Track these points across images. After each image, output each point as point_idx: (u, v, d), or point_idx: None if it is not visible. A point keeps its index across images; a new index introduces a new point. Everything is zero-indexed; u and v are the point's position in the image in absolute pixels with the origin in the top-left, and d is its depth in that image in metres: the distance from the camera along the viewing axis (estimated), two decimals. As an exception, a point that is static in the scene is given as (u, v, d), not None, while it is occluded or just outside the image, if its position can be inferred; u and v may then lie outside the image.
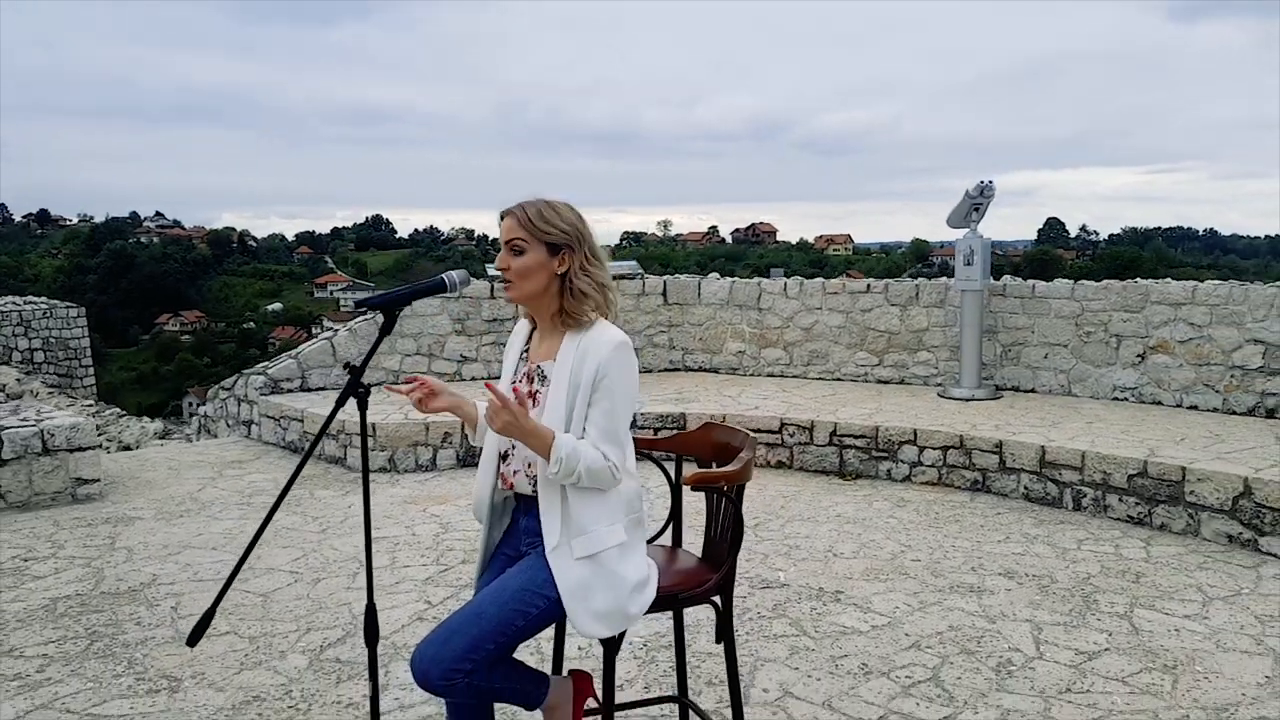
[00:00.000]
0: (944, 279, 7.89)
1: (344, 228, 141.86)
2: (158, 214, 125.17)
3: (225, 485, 6.26)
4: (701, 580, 2.28)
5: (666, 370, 8.72)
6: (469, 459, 6.60)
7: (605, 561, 2.08)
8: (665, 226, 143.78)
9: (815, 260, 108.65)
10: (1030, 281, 7.54)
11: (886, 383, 7.97)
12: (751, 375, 8.42)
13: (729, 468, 2.26)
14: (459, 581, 4.41)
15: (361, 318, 8.29)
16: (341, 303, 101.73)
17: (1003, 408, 6.86)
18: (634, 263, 9.24)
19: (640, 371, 8.52)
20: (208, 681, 3.44)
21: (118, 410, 11.78)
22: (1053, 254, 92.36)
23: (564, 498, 2.07)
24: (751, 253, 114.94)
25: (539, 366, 2.19)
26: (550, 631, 2.49)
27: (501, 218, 2.18)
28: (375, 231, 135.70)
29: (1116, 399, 7.02)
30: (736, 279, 8.78)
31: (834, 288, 8.20)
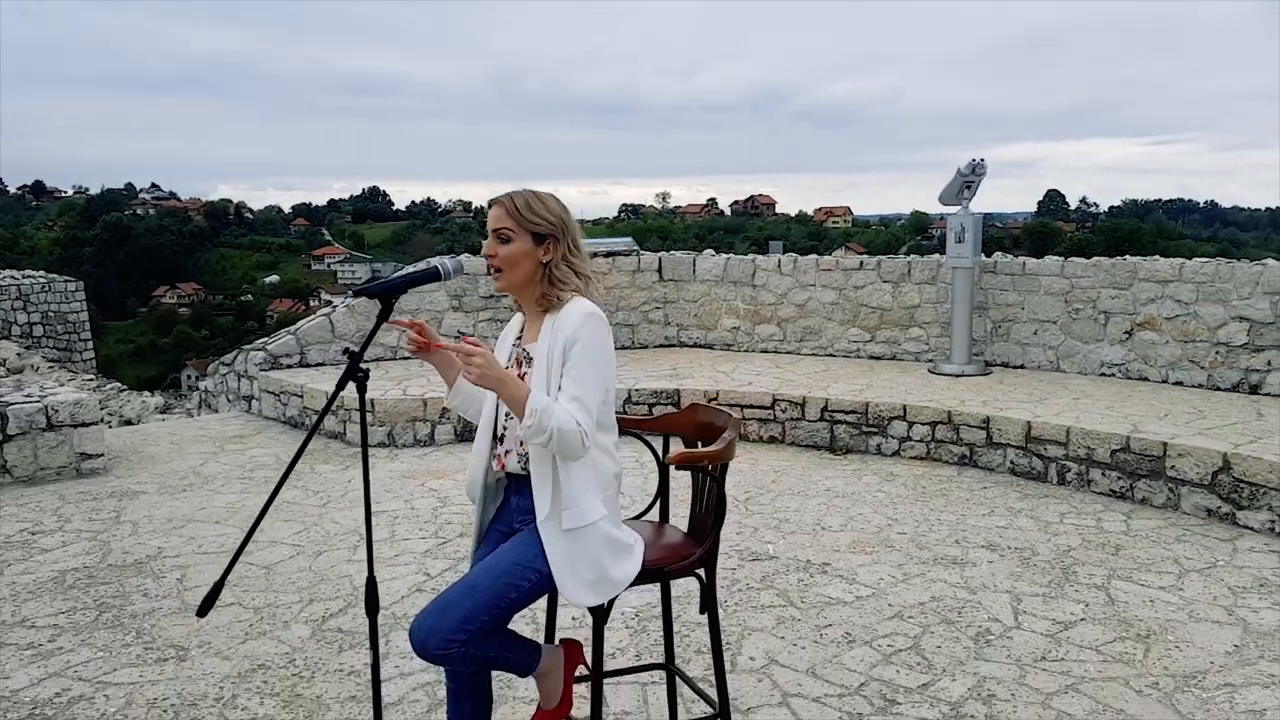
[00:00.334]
0: (936, 256, 7.96)
1: (341, 199, 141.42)
2: (153, 185, 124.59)
3: (227, 460, 6.37)
4: (686, 554, 2.39)
5: (662, 346, 8.82)
6: (466, 434, 6.71)
7: (592, 534, 2.18)
8: (664, 199, 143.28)
9: (814, 232, 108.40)
10: (1021, 258, 7.61)
11: (879, 359, 8.07)
12: (746, 351, 8.52)
13: (712, 447, 2.36)
14: (456, 554, 4.53)
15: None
16: (339, 275, 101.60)
17: (992, 383, 6.97)
18: (629, 239, 9.30)
19: (636, 347, 8.67)
20: (214, 650, 3.57)
21: (118, 385, 11.87)
22: (1052, 226, 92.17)
23: (554, 473, 2.17)
24: (750, 225, 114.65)
25: (526, 350, 2.28)
26: (544, 601, 2.60)
27: (489, 206, 2.26)
28: (372, 203, 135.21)
29: (1104, 375, 7.12)
30: (731, 255, 8.85)
31: (827, 264, 8.28)
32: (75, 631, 3.74)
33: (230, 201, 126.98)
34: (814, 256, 8.52)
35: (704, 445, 2.51)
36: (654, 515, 2.68)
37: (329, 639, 3.65)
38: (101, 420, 6.31)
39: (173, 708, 3.15)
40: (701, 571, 2.40)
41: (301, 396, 7.12)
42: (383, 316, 2.13)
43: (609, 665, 3.19)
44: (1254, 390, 6.46)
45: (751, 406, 6.66)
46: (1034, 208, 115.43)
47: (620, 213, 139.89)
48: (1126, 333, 7.01)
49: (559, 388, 2.15)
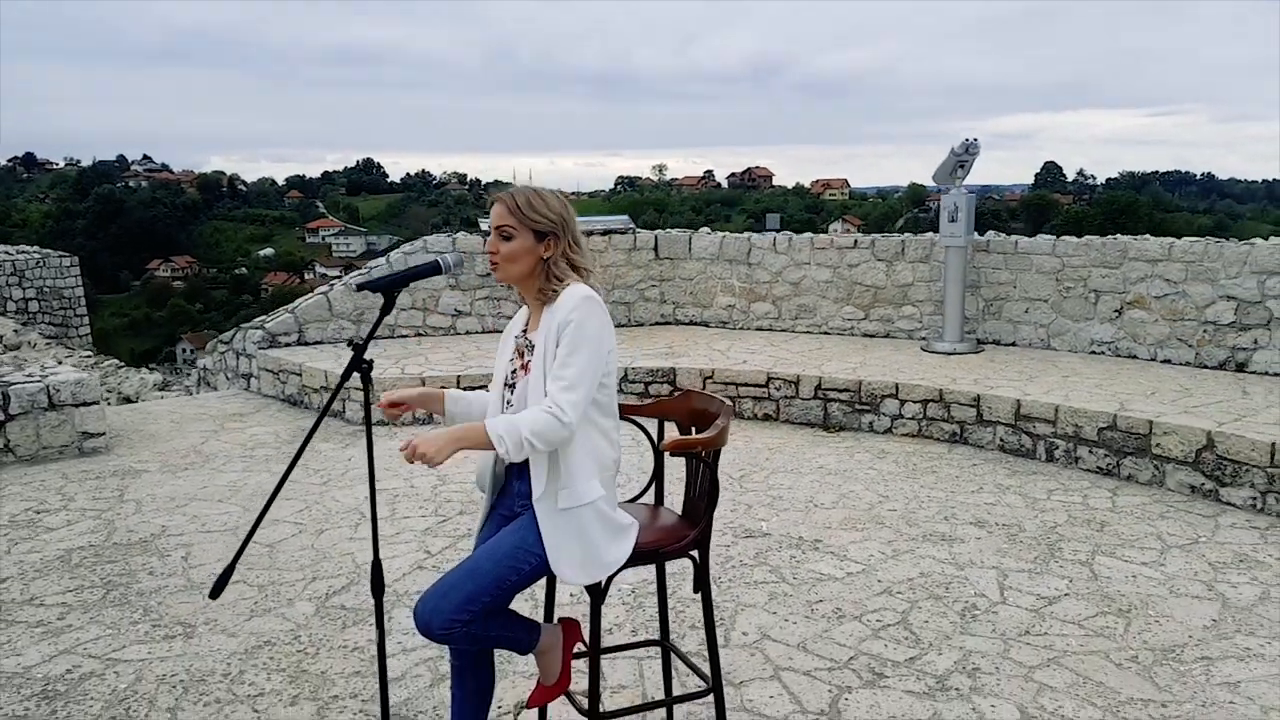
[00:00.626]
0: (930, 234, 8.02)
1: (335, 172, 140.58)
2: (145, 157, 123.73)
3: (227, 438, 6.45)
4: (681, 536, 2.47)
5: (658, 324, 8.88)
6: (464, 412, 6.78)
7: (587, 514, 2.26)
8: (660, 171, 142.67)
9: (811, 205, 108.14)
10: (1013, 237, 7.68)
11: (872, 336, 8.15)
12: (741, 329, 8.59)
13: (705, 434, 2.44)
14: (457, 532, 4.62)
15: (357, 273, 8.41)
16: (334, 248, 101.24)
17: (983, 361, 7.06)
18: (625, 217, 9.34)
19: (632, 325, 8.74)
20: (220, 628, 3.66)
21: (115, 361, 11.92)
22: (1049, 199, 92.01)
23: (551, 455, 2.25)
24: (747, 197, 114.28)
25: (529, 340, 2.36)
26: (544, 581, 2.69)
27: (491, 203, 2.32)
28: (366, 176, 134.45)
29: (1094, 353, 7.21)
30: (727, 234, 8.90)
31: (822, 243, 8.34)
32: (83, 609, 3.83)
33: (223, 174, 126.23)
34: (809, 235, 8.57)
35: (698, 431, 2.59)
36: (649, 498, 2.76)
37: (333, 616, 3.75)
38: (102, 399, 6.37)
39: (181, 683, 3.24)
40: (695, 553, 2.48)
41: (300, 375, 7.18)
42: (385, 310, 2.20)
43: (605, 641, 3.29)
44: (1240, 368, 6.56)
45: (746, 385, 6.75)
46: (1031, 180, 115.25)
47: (616, 185, 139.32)
48: (1116, 311, 7.09)
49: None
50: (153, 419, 7.01)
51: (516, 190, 2.30)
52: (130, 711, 3.06)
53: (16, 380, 6.00)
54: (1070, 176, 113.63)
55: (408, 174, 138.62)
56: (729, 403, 2.55)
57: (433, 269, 2.28)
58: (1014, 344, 7.61)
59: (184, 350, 64.91)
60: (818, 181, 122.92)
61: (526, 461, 2.31)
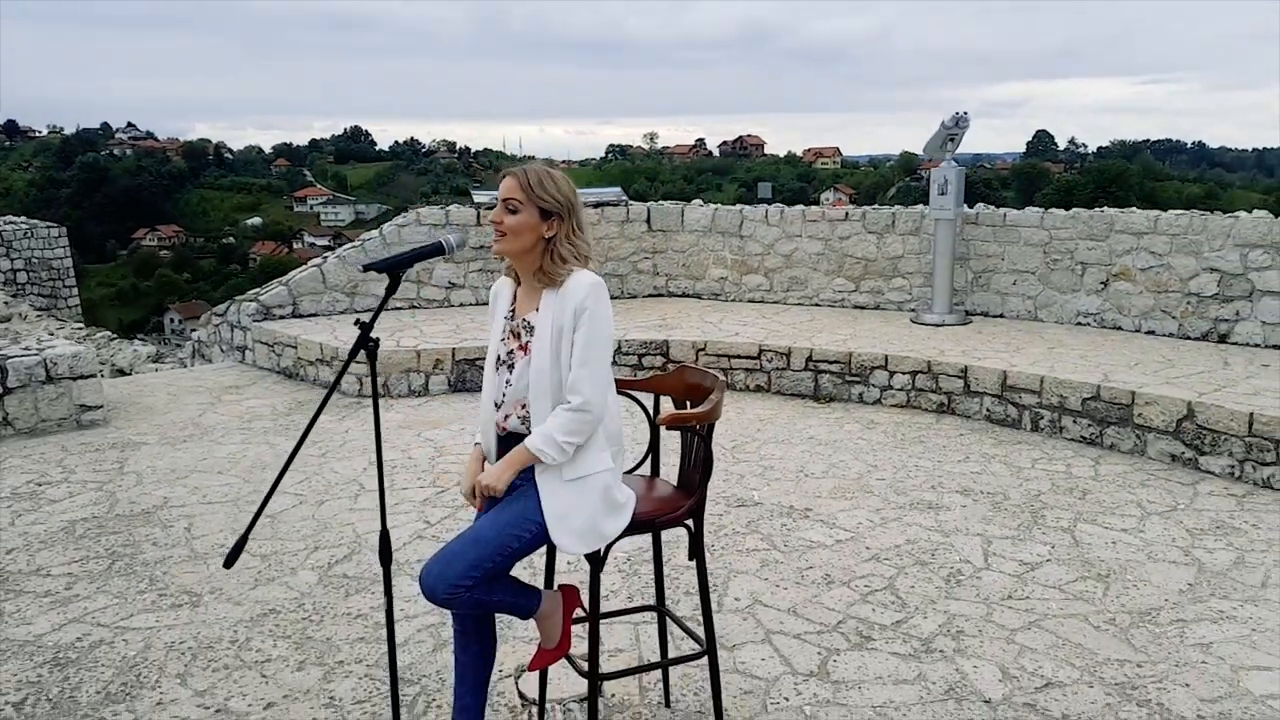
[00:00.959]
0: (920, 207, 8.08)
1: (322, 139, 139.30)
2: (129, 125, 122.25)
3: (224, 410, 6.51)
4: (676, 506, 2.56)
5: (650, 296, 8.95)
6: (460, 384, 6.86)
7: (589, 486, 2.36)
8: (652, 139, 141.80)
9: (803, 174, 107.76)
10: (1002, 210, 7.75)
11: (863, 308, 8.23)
12: (733, 301, 8.67)
13: (700, 409, 2.52)
14: (455, 502, 4.71)
15: (349, 246, 8.43)
16: (322, 217, 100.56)
17: (971, 333, 7.16)
18: (618, 189, 9.36)
19: (625, 297, 8.81)
20: (226, 596, 3.75)
21: (107, 333, 11.92)
22: (1040, 167, 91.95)
23: None
24: (739, 166, 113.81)
25: (525, 320, 2.43)
26: (543, 550, 2.78)
27: (503, 176, 2.39)
28: (354, 143, 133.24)
29: (1079, 324, 7.32)
30: (719, 206, 8.94)
31: (813, 215, 8.39)
32: (90, 579, 3.91)
33: (209, 141, 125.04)
34: (800, 207, 8.62)
35: (693, 405, 2.67)
36: (645, 469, 2.85)
37: (335, 584, 3.84)
38: (99, 373, 6.42)
39: (190, 650, 3.34)
40: (690, 522, 2.58)
41: (296, 348, 7.23)
42: (391, 289, 2.27)
43: (603, 607, 3.39)
44: (1222, 339, 6.68)
45: (739, 357, 6.83)
46: (1023, 148, 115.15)
47: (607, 153, 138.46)
48: (1102, 283, 7.19)
49: (570, 353, 2.31)
50: (149, 391, 7.06)
51: (530, 167, 2.37)
52: (141, 678, 3.16)
53: (14, 354, 6.04)
54: (1061, 145, 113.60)
55: (396, 142, 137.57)
56: (723, 377, 2.63)
57: (436, 249, 2.35)
58: (1002, 315, 7.71)
59: (172, 320, 64.72)
60: (810, 150, 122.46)
61: (526, 431, 2.40)
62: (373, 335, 2.22)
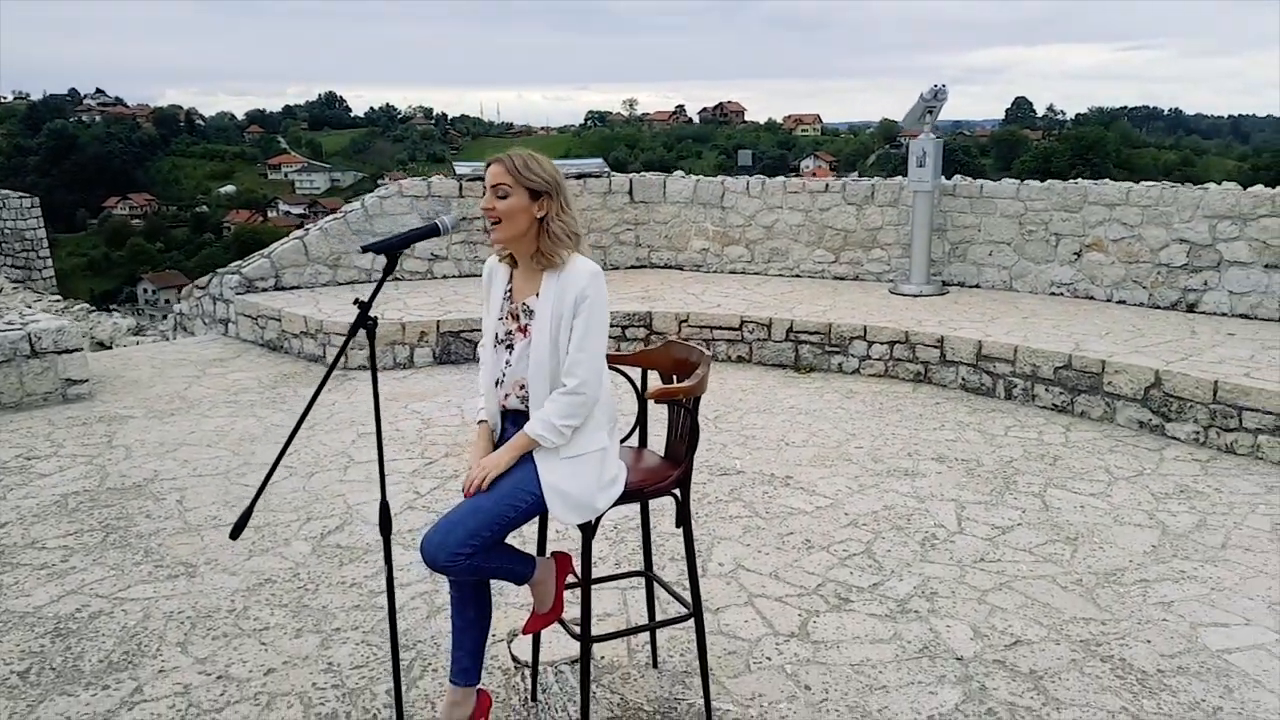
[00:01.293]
0: (898, 178, 8.18)
1: (296, 105, 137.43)
2: (98, 90, 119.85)
3: (210, 383, 6.55)
4: (663, 476, 2.67)
5: (633, 268, 9.02)
6: (445, 356, 6.92)
7: (584, 462, 2.46)
8: (631, 106, 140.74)
9: (783, 141, 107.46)
10: (979, 182, 7.87)
11: (842, 279, 8.35)
12: (715, 272, 8.75)
13: (686, 383, 2.62)
14: (443, 473, 4.81)
15: (331, 217, 8.43)
16: (297, 185, 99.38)
17: (948, 303, 7.29)
18: (600, 161, 9.39)
19: (608, 269, 8.88)
20: (221, 567, 3.83)
21: (85, 305, 11.86)
22: (1019, 134, 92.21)
23: None
24: (719, 133, 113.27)
25: (524, 303, 2.51)
26: (536, 519, 2.88)
27: (488, 165, 2.46)
28: (329, 110, 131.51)
29: (1053, 294, 7.47)
30: (701, 178, 8.99)
31: (794, 187, 8.47)
32: (85, 552, 3.98)
33: (180, 108, 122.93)
34: (781, 179, 8.69)
35: (679, 378, 2.77)
36: (634, 441, 2.95)
37: (329, 554, 3.93)
38: (84, 346, 6.43)
39: (189, 619, 3.42)
40: (677, 492, 2.68)
41: (280, 320, 7.26)
42: (388, 270, 2.34)
43: (592, 573, 3.51)
44: (1190, 309, 6.85)
45: (721, 328, 6.94)
46: (1002, 115, 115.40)
47: (586, 120, 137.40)
48: (1075, 254, 7.33)
49: (569, 338, 2.42)
50: (133, 365, 7.08)
51: (513, 153, 2.45)
52: (142, 646, 3.24)
53: (-3, 328, 6.05)
54: (1040, 112, 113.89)
55: (371, 108, 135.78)
56: (708, 352, 2.73)
57: (431, 231, 2.43)
58: (978, 286, 7.84)
59: (146, 290, 64.01)
60: (790, 117, 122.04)
61: (525, 412, 2.50)
62: (370, 315, 2.29)
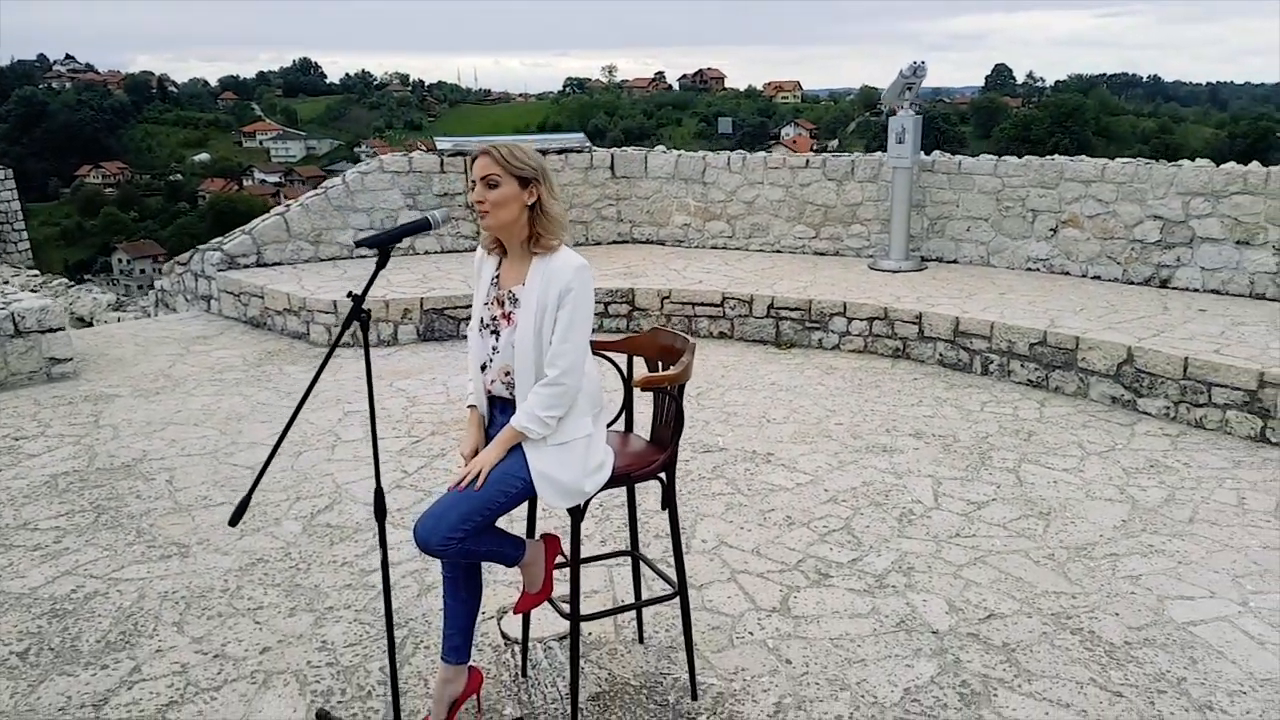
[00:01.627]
0: (878, 154, 8.23)
1: (270, 72, 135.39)
2: (68, 57, 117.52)
3: (194, 361, 6.56)
4: (649, 461, 2.74)
5: (615, 243, 9.05)
6: (429, 333, 6.96)
7: (571, 449, 2.54)
8: (610, 73, 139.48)
9: (763, 108, 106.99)
10: (957, 158, 7.94)
11: (822, 254, 8.42)
12: (696, 248, 8.80)
13: (671, 371, 2.69)
14: (430, 452, 4.87)
15: (312, 193, 8.40)
16: (272, 153, 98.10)
17: (926, 279, 7.39)
18: (581, 135, 9.37)
19: (590, 244, 8.92)
20: (214, 547, 3.89)
21: (64, 280, 11.76)
22: (999, 102, 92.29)
23: None
24: (699, 100, 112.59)
25: (510, 291, 2.57)
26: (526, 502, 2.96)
27: (474, 159, 2.52)
28: (304, 76, 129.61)
29: (1030, 270, 7.58)
30: (682, 153, 9.01)
31: (775, 163, 8.51)
32: (78, 533, 4.03)
33: (152, 74, 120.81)
34: (762, 154, 8.73)
35: (664, 365, 2.84)
36: (620, 425, 3.03)
37: (319, 534, 4.00)
38: (68, 325, 6.42)
39: (184, 599, 3.49)
40: (663, 475, 2.77)
41: (262, 297, 7.26)
42: (381, 263, 2.40)
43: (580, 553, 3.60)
44: (1164, 284, 6.98)
45: (702, 305, 7.01)
46: (982, 82, 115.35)
47: (565, 87, 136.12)
48: (1052, 230, 7.44)
49: (552, 329, 2.48)
50: (116, 343, 7.07)
51: (498, 144, 2.53)
52: (139, 626, 3.31)
53: (-21, 308, 6.02)
54: (1020, 79, 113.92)
55: (347, 74, 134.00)
56: (693, 340, 2.80)
57: (422, 225, 2.48)
58: (956, 261, 7.94)
59: (120, 260, 63.21)
60: (770, 84, 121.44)
61: (512, 401, 2.56)
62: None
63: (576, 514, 2.61)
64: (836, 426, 5.23)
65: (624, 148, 9.31)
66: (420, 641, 3.21)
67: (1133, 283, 7.11)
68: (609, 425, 2.93)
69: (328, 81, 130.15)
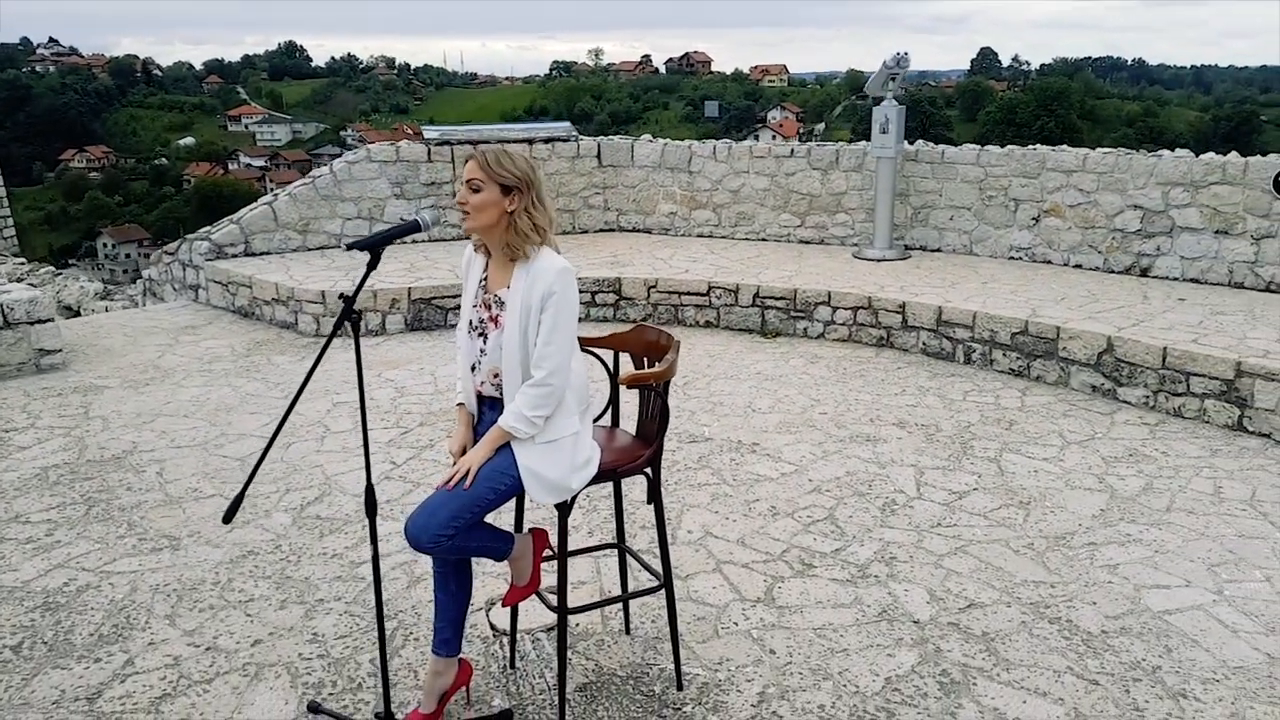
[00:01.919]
0: (863, 144, 8.27)
1: (255, 55, 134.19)
2: (52, 40, 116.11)
3: (183, 351, 6.57)
4: (635, 456, 2.79)
5: (601, 231, 9.07)
6: (417, 323, 6.98)
7: (558, 447, 2.58)
8: (597, 56, 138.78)
9: (750, 92, 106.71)
10: (940, 147, 7.99)
11: (808, 243, 8.47)
12: (683, 236, 8.83)
13: (657, 368, 2.74)
14: (419, 443, 4.91)
15: (300, 182, 8.38)
16: (258, 137, 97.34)
17: (910, 268, 7.45)
18: (568, 124, 9.37)
19: (576, 232, 8.94)
20: (204, 539, 3.93)
21: (51, 268, 11.69)
22: (984, 86, 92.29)
23: None
24: (686, 84, 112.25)
25: (496, 294, 2.61)
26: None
27: (465, 161, 2.56)
28: (289, 59, 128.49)
29: (1012, 258, 7.65)
30: (669, 142, 9.02)
31: (760, 152, 8.54)
32: (69, 526, 4.05)
33: (136, 58, 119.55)
34: (748, 143, 8.76)
35: (650, 361, 2.89)
36: (606, 420, 3.07)
37: (309, 526, 4.04)
38: (56, 316, 6.41)
39: (175, 592, 3.52)
40: (649, 470, 2.82)
41: (251, 287, 7.26)
42: (372, 265, 2.44)
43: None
44: (1144, 273, 7.06)
45: (689, 294, 7.05)
46: (967, 66, 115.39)
47: (552, 70, 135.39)
48: (1034, 219, 7.51)
49: (536, 331, 2.52)
50: (105, 333, 7.06)
51: (488, 149, 2.56)
52: (131, 619, 3.35)
53: (-35, 299, 6.01)
54: (1005, 63, 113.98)
55: (333, 58, 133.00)
56: (677, 337, 2.85)
57: (413, 227, 2.54)
58: (939, 250, 8.01)
59: (105, 245, 62.75)
60: (756, 68, 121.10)
61: (501, 400, 2.61)
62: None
63: (563, 510, 2.67)
64: (821, 416, 5.29)
65: (611, 136, 9.32)
66: (410, 633, 3.26)
67: (1114, 271, 7.19)
68: (595, 420, 2.98)
69: (313, 65, 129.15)
